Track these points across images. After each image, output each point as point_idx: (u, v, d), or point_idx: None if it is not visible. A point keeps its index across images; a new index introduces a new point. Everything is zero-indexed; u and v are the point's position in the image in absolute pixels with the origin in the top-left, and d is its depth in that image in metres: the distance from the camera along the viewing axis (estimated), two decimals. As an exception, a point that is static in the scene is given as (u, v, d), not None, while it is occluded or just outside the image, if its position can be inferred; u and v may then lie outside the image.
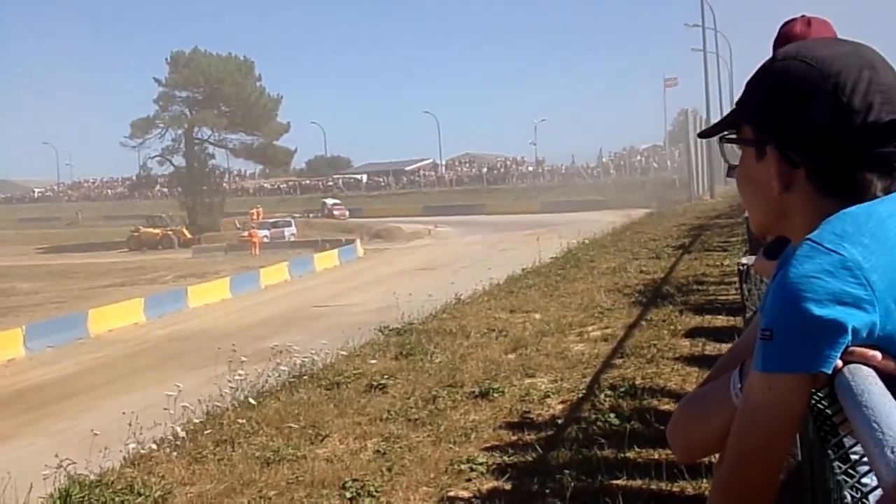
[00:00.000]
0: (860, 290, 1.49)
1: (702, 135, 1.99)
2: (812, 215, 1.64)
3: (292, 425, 9.75)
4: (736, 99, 1.86)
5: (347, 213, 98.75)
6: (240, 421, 10.20)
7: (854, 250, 1.52)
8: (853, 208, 1.59)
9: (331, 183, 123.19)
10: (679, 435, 1.97)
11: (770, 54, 3.37)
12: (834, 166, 1.64)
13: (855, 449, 1.45)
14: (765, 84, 1.76)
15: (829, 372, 1.51)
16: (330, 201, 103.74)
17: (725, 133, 1.85)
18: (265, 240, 70.33)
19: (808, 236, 1.57)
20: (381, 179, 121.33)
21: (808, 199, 1.68)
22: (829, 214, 1.60)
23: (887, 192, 1.63)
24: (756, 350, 1.57)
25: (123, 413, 11.32)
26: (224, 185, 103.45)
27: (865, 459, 1.34)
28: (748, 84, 1.81)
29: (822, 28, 3.34)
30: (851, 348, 1.51)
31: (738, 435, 1.64)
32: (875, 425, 1.28)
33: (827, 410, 1.59)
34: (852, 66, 1.64)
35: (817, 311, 1.48)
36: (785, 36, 3.35)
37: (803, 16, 3.47)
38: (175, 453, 9.46)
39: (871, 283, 1.50)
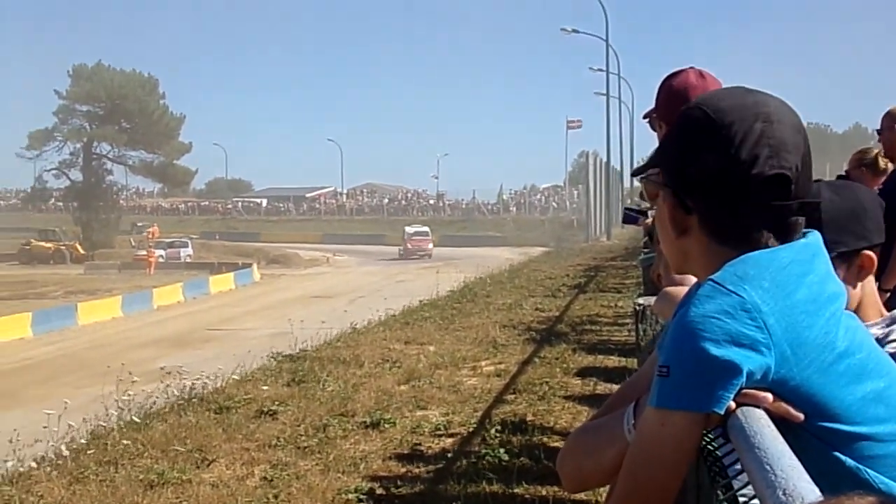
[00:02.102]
0: (757, 333, 1.51)
1: (634, 173, 2.03)
2: (709, 260, 1.67)
3: (179, 448, 9.59)
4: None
5: (431, 246, 75.83)
6: (125, 442, 10.00)
7: (754, 293, 1.53)
8: (756, 252, 1.62)
9: (230, 206, 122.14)
10: (569, 466, 1.96)
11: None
12: (721, 215, 1.67)
13: (744, 491, 1.46)
14: (673, 129, 1.79)
15: (722, 412, 1.52)
16: (411, 229, 79.51)
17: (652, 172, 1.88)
18: (160, 259, 69.31)
19: (710, 276, 1.59)
20: (281, 205, 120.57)
21: (703, 245, 1.71)
22: (727, 261, 1.61)
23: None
24: (652, 386, 1.58)
25: (6, 430, 11.02)
26: (121, 202, 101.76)
27: (755, 502, 1.35)
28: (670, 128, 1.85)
29: (715, 82, 3.34)
30: (745, 390, 1.52)
31: (628, 470, 1.64)
32: (768, 467, 1.29)
33: (717, 451, 1.60)
34: (746, 118, 1.66)
35: (714, 350, 1.50)
36: (678, 86, 3.35)
37: (692, 68, 3.45)
38: (55, 472, 9.24)
39: (768, 326, 1.51)
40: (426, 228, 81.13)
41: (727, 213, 1.66)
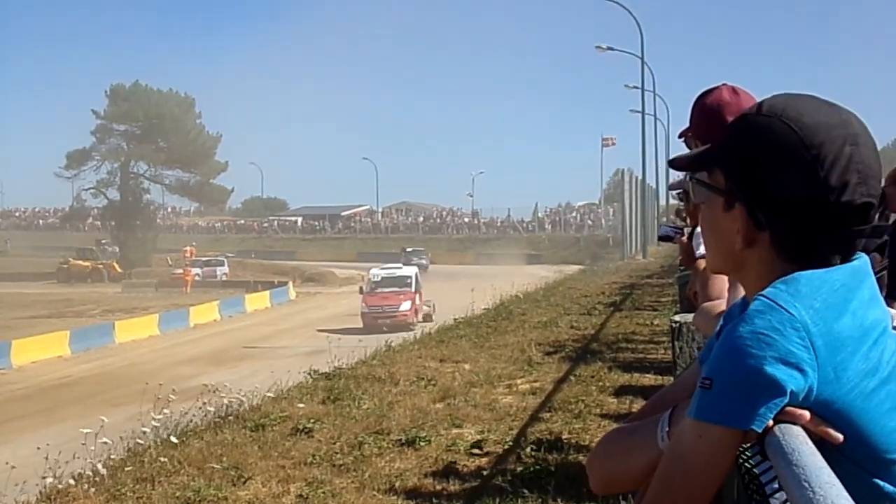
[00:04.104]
0: (804, 353, 1.49)
1: (672, 164, 1.91)
2: (768, 276, 1.63)
3: (215, 466, 9.62)
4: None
5: (409, 305, 41.70)
6: (161, 459, 10.05)
7: (805, 312, 1.52)
8: (809, 272, 1.59)
9: (266, 224, 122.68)
10: (598, 467, 1.96)
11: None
12: (800, 236, 1.62)
13: (780, 508, 1.46)
14: (745, 137, 1.67)
15: (760, 431, 1.51)
16: (378, 273, 44.72)
17: (694, 172, 1.82)
18: (197, 278, 69.71)
19: (762, 293, 1.57)
20: (316, 223, 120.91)
21: (766, 261, 1.67)
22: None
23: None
24: (694, 396, 1.57)
25: (39, 448, 11.09)
26: (158, 220, 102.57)
27: (793, 519, 1.34)
28: (729, 128, 1.75)
29: (749, 98, 3.31)
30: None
31: (660, 479, 1.64)
32: (806, 484, 1.29)
33: (754, 469, 1.59)
34: (836, 140, 1.59)
35: (760, 368, 1.49)
36: (711, 104, 3.33)
37: (725, 84, 3.39)
38: (93, 489, 9.29)
39: (815, 347, 1.50)
40: (407, 272, 45.40)
41: (808, 235, 1.61)
